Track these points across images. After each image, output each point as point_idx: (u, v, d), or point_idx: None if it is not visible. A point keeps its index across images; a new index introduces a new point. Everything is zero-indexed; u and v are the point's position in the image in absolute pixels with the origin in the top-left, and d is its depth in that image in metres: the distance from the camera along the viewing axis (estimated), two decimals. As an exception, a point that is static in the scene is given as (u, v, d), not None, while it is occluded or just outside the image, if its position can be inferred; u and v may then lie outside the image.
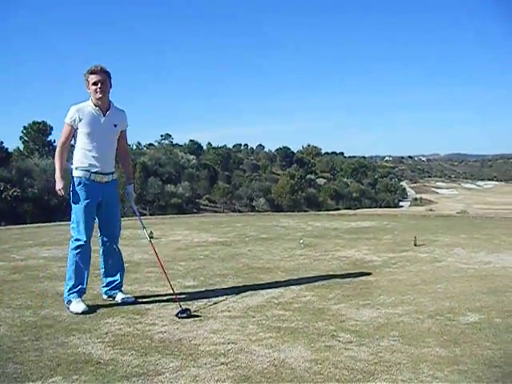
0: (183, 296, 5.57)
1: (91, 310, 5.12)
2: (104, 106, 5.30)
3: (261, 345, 4.03)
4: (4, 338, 4.35)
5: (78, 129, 5.23)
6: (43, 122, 69.29)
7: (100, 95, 5.21)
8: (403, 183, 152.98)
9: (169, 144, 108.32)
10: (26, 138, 68.97)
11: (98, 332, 4.46)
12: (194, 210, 62.80)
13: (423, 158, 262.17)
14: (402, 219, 13.90)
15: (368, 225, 12.26)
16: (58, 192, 5.28)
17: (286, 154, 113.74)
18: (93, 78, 5.21)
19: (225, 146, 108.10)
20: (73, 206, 5.31)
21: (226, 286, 6.08)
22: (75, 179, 5.28)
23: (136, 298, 5.53)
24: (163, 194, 65.00)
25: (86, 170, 5.25)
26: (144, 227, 5.76)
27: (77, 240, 5.27)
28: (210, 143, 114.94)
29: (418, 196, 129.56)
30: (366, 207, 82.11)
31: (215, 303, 5.30)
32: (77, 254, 5.27)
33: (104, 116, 5.29)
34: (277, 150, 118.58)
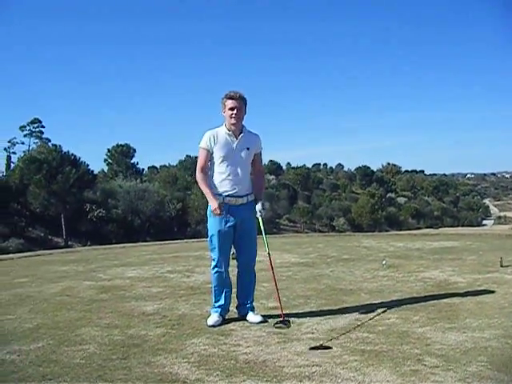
0: (267, 317, 5.60)
1: (176, 330, 5.22)
2: (237, 130, 5.47)
3: (345, 368, 4.01)
4: (93, 355, 4.49)
5: (212, 153, 5.41)
6: (126, 144, 71.06)
7: (235, 121, 5.40)
8: (486, 201, 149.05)
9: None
10: (110, 161, 70.82)
11: (184, 352, 4.54)
12: (274, 230, 62.76)
13: (507, 175, 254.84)
14: (486, 239, 13.55)
15: (451, 245, 12.01)
16: (215, 212, 5.38)
17: (365, 173, 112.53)
18: (230, 103, 5.40)
19: (304, 165, 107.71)
20: (209, 229, 5.55)
21: (308, 308, 6.09)
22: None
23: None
24: (243, 214, 65.24)
25: (220, 194, 5.42)
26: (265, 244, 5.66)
27: (212, 260, 5.60)
28: (289, 163, 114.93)
29: (502, 214, 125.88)
30: (448, 226, 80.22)
31: (298, 325, 5.30)
32: (214, 273, 5.59)
33: (237, 139, 5.45)
34: (356, 168, 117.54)
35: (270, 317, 5.64)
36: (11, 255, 14.87)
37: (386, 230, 62.22)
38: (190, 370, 4.08)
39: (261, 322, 5.43)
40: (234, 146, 5.43)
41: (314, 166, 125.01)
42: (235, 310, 5.73)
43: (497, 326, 5.04)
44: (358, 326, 5.21)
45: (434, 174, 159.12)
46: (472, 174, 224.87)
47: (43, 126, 71.86)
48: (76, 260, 11.37)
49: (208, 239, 5.60)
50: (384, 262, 8.91)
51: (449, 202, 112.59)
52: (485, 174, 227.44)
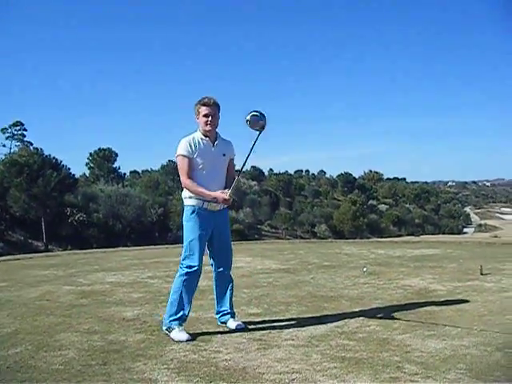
0: (247, 323, 5.60)
1: (156, 336, 5.20)
2: (212, 137, 5.44)
3: (325, 375, 4.01)
4: (73, 361, 4.46)
5: (192, 159, 5.35)
6: (108, 148, 70.95)
7: (210, 128, 5.36)
8: (467, 209, 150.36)
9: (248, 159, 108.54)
10: (91, 165, 70.63)
11: (164, 358, 4.52)
12: (256, 236, 62.88)
13: (487, 183, 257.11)
14: (466, 247, 13.64)
15: (432, 252, 12.08)
16: (225, 202, 5.33)
17: (347, 180, 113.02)
18: (204, 110, 5.35)
19: (286, 172, 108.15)
20: (186, 234, 5.43)
21: (289, 314, 6.08)
22: (189, 208, 5.41)
23: (201, 324, 5.60)
24: (225, 219, 65.30)
25: (200, 199, 5.36)
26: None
27: (188, 267, 5.37)
28: (271, 169, 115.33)
29: (483, 222, 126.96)
30: (429, 233, 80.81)
31: (279, 331, 5.30)
32: (185, 280, 5.36)
33: (213, 146, 5.43)
34: (338, 175, 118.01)
35: (251, 323, 5.64)
36: (-10, 259, 14.77)
37: (368, 237, 62.50)
38: (170, 376, 4.06)
39: (241, 329, 5.40)
40: (212, 152, 5.41)
41: (296, 172, 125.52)
42: (215, 317, 5.71)
43: (476, 333, 5.07)
44: (339, 333, 5.22)
45: (416, 182, 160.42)
46: (453, 181, 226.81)
47: (25, 129, 71.48)
48: (56, 264, 11.30)
49: (185, 244, 5.44)
50: (365, 269, 8.95)
51: (430, 210, 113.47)
52: (466, 182, 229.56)
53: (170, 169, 78.81)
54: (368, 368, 4.14)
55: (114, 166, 70.62)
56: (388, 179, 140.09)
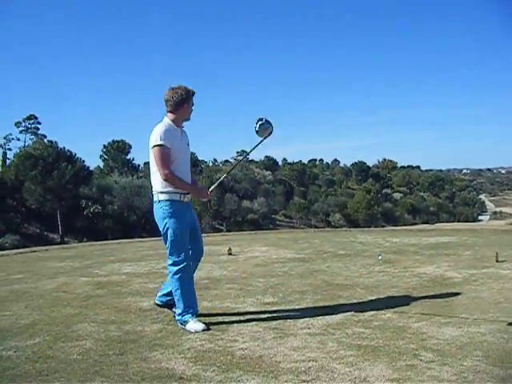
0: (263, 312, 5.61)
1: (173, 325, 5.22)
2: (180, 126, 5.37)
3: (341, 363, 4.02)
4: (90, 351, 4.49)
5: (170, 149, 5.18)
6: (122, 140, 71.00)
7: (188, 119, 5.39)
8: (482, 196, 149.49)
9: (245, 160, 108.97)
10: (105, 157, 70.76)
11: (181, 348, 4.54)
12: (271, 226, 62.92)
13: (502, 171, 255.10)
14: (482, 234, 13.57)
15: (447, 240, 12.04)
16: (204, 195, 5.45)
17: (361, 169, 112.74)
18: (192, 99, 5.33)
19: (300, 161, 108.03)
20: (171, 231, 5.22)
21: (305, 303, 6.09)
22: (167, 203, 5.22)
23: (217, 314, 5.63)
24: (240, 209, 65.37)
25: (177, 192, 5.22)
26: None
27: (177, 264, 5.22)
28: (285, 159, 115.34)
29: (498, 209, 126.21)
30: (444, 221, 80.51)
31: (295, 320, 5.31)
32: (180, 277, 5.21)
33: (181, 136, 5.36)
34: (352, 164, 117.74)
35: (266, 312, 5.66)
36: (7, 251, 14.90)
37: (382, 226, 62.36)
38: (187, 365, 4.08)
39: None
40: (182, 142, 5.33)
41: (310, 161, 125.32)
42: (160, 299, 5.64)
43: (492, 320, 5.06)
44: (354, 321, 5.22)
45: (430, 170, 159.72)
46: (468, 169, 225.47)
47: (39, 123, 71.70)
48: (72, 256, 11.37)
49: (170, 240, 5.23)
50: (380, 258, 8.93)
51: (445, 198, 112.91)
52: (480, 170, 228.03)
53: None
54: (384, 356, 4.14)
55: (128, 157, 70.71)
56: (402, 167, 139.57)
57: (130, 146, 71.17)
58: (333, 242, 12.29)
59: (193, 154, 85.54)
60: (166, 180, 5.16)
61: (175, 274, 5.24)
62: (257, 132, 5.42)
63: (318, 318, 5.36)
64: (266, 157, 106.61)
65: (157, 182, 5.26)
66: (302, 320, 5.30)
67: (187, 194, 5.31)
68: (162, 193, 5.23)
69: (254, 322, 5.25)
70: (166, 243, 5.30)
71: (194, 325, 5.09)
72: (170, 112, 5.29)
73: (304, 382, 3.67)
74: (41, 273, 8.86)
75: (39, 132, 71.13)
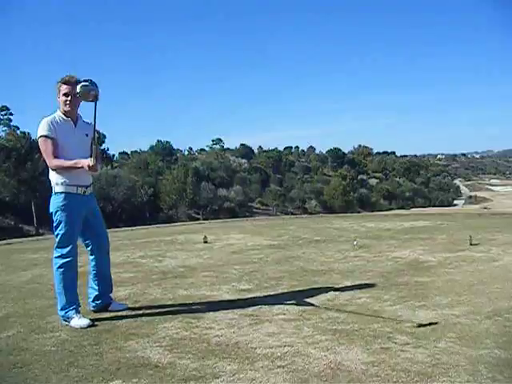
0: (238, 299, 5.62)
1: (148, 314, 5.20)
2: (74, 117, 5.16)
3: (317, 347, 4.03)
4: (65, 342, 4.45)
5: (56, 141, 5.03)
6: (97, 130, 70.47)
7: (69, 108, 5.07)
8: (457, 181, 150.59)
9: (220, 148, 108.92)
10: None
11: (156, 336, 4.52)
12: (247, 214, 62.90)
13: (476, 155, 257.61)
14: (456, 218, 13.71)
15: (422, 224, 12.14)
16: (91, 169, 4.98)
17: (337, 155, 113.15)
18: (64, 88, 5.04)
19: (276, 148, 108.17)
20: (60, 224, 5.13)
21: (280, 289, 6.10)
22: (62, 195, 5.12)
23: (193, 302, 5.61)
24: (216, 198, 65.38)
25: (69, 184, 5.11)
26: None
27: (63, 257, 5.14)
28: (260, 147, 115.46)
29: (473, 194, 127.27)
30: (420, 206, 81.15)
31: (270, 306, 5.31)
32: (63, 272, 5.12)
33: (75, 126, 5.17)
34: (328, 151, 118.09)
35: (242, 299, 5.66)
36: (-19, 244, 14.72)
37: (358, 212, 62.60)
38: (163, 353, 4.07)
39: (126, 309, 5.38)
40: (75, 133, 5.14)
41: (285, 149, 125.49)
42: (92, 305, 5.48)
43: (466, 302, 5.11)
44: (330, 306, 5.23)
45: (405, 156, 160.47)
46: (442, 154, 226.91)
47: (11, 114, 71.00)
48: (47, 247, 11.22)
49: (59, 233, 5.13)
50: (355, 243, 8.98)
51: (420, 183, 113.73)
52: (455, 155, 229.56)
53: (159, 149, 78.72)
54: (359, 339, 4.17)
55: (103, 147, 70.30)
56: (378, 153, 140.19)
57: (105, 136, 70.78)
58: (308, 229, 12.32)
59: (168, 142, 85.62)
60: (53, 168, 5.10)
61: (60, 267, 5.13)
62: (78, 95, 4.91)
63: (293, 303, 5.38)
64: (242, 145, 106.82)
65: (52, 173, 5.18)
66: (278, 306, 5.30)
67: (85, 186, 5.22)
68: (57, 184, 5.14)
69: (230, 309, 5.24)
70: (55, 235, 5.21)
71: (79, 321, 4.96)
72: None
73: (280, 367, 3.67)
74: (15, 265, 8.77)
75: (12, 124, 70.43)
